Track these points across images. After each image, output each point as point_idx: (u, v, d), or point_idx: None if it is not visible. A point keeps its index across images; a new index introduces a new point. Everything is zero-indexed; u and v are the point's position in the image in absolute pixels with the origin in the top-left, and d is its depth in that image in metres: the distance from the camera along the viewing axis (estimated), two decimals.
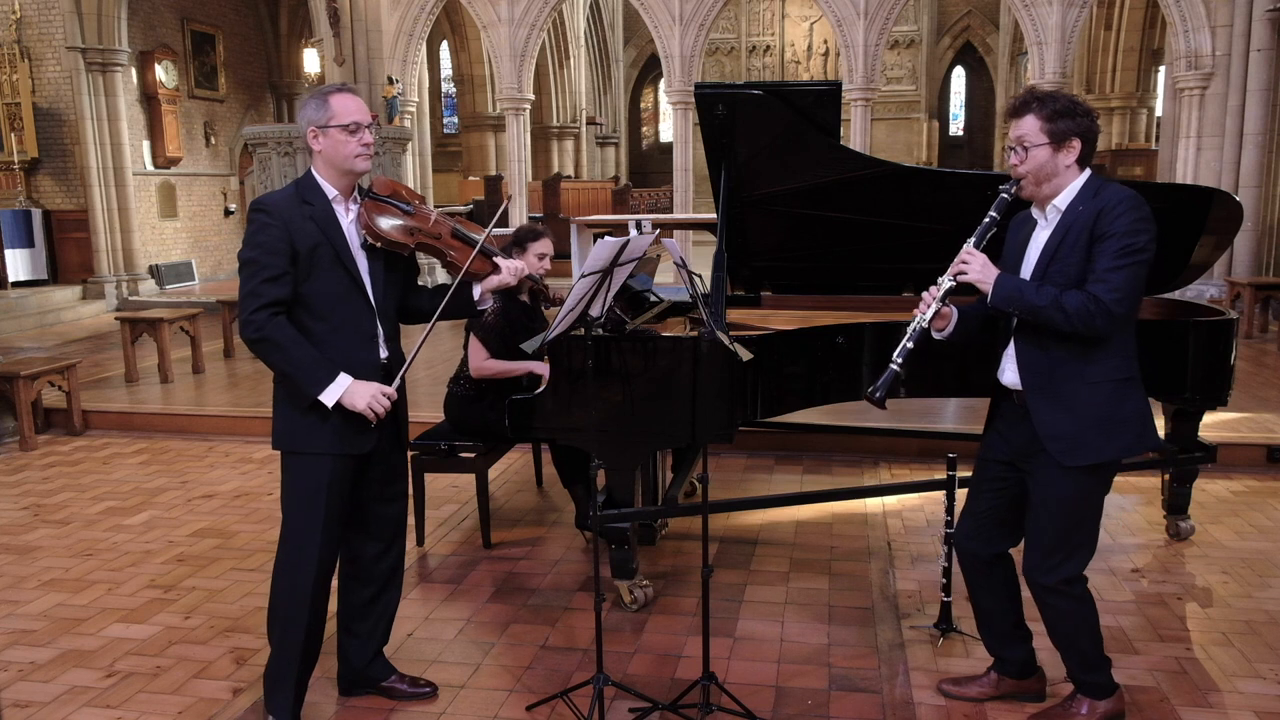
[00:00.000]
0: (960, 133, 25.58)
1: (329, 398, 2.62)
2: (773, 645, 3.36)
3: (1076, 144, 2.54)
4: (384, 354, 2.78)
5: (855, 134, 12.06)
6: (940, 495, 3.57)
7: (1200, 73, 10.32)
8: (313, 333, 2.66)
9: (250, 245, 2.62)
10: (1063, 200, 2.58)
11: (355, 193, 2.76)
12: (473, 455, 4.20)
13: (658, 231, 8.27)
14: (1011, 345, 2.69)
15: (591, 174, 22.38)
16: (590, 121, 22.66)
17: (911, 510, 4.69)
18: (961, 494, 3.41)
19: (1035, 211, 2.68)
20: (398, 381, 2.77)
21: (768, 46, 23.99)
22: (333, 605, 2.87)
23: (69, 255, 12.66)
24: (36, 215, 12.37)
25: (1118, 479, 4.20)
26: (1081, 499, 2.64)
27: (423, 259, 3.38)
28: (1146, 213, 2.49)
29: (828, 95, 3.65)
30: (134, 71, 12.85)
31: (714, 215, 3.94)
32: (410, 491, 3.26)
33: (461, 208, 15.80)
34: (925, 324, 2.60)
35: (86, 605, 3.76)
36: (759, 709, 2.88)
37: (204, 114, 14.52)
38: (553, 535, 4.45)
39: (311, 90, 3.20)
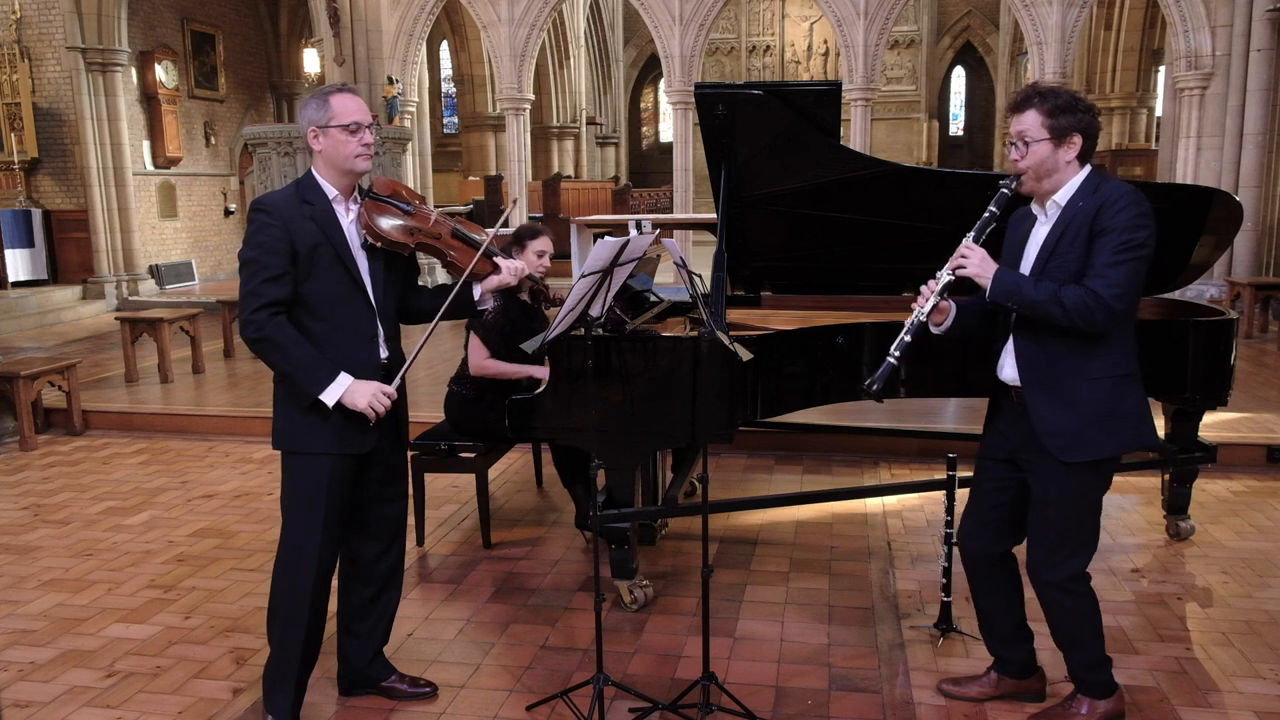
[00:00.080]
0: (960, 133, 25.58)
1: (329, 397, 2.63)
2: (773, 645, 3.36)
3: (1078, 140, 2.54)
4: (384, 354, 2.78)
5: (855, 134, 12.06)
6: (940, 495, 3.57)
7: (1200, 73, 10.32)
8: (313, 333, 2.66)
9: (250, 245, 2.62)
10: (1063, 196, 2.58)
11: (355, 193, 2.77)
12: (473, 455, 4.20)
13: (658, 231, 8.27)
14: (1010, 341, 2.69)
15: (591, 174, 22.38)
16: (590, 121, 22.67)
17: (911, 510, 4.69)
18: (961, 494, 3.41)
19: (1035, 207, 2.68)
20: (398, 381, 2.77)
21: (768, 46, 23.99)
22: (333, 605, 2.87)
23: (69, 255, 12.66)
24: (36, 215, 12.37)
25: (1118, 479, 4.21)
26: (1081, 495, 2.64)
27: (423, 259, 3.38)
28: (1146, 209, 2.49)
29: (828, 95, 3.65)
30: (134, 71, 12.85)
31: (714, 215, 3.94)
32: (410, 491, 3.26)
33: (461, 208, 15.80)
34: (923, 318, 2.60)
35: (86, 605, 3.77)
36: (759, 709, 2.89)
37: (204, 114, 14.52)
38: (553, 535, 4.45)
39: (312, 90, 3.21)
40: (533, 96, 13.50)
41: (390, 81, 12.35)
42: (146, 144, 13.27)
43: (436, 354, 7.94)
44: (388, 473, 2.90)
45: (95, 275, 12.42)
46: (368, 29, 12.56)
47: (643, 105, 26.84)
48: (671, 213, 13.32)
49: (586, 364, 3.13)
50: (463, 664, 3.25)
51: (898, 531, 4.43)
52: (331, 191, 2.69)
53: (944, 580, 3.36)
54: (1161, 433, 4.31)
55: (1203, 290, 9.88)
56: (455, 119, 23.20)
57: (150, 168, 13.32)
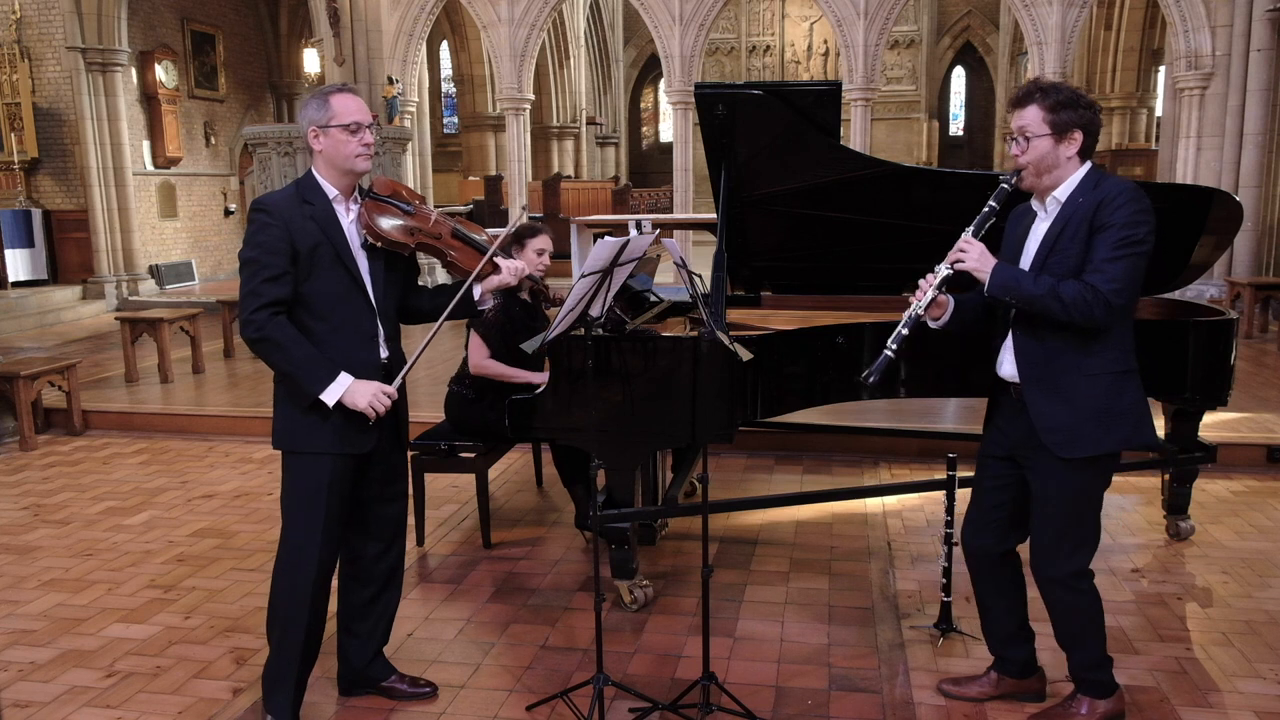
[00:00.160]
0: (960, 133, 25.58)
1: (330, 397, 2.63)
2: (773, 645, 3.36)
3: (1078, 136, 2.54)
4: (384, 354, 2.79)
5: (855, 134, 12.06)
6: (940, 495, 3.57)
7: (1200, 73, 10.32)
8: (313, 332, 2.66)
9: (251, 245, 2.62)
10: (1063, 192, 2.58)
11: (356, 193, 2.77)
12: (473, 455, 4.20)
13: (658, 231, 8.27)
14: (1010, 337, 2.69)
15: (591, 174, 22.38)
16: (590, 121, 22.66)
17: (911, 510, 4.69)
18: (962, 494, 3.42)
19: (1035, 203, 2.68)
20: (399, 381, 2.77)
21: (768, 46, 23.99)
22: (333, 605, 2.87)
23: (69, 255, 12.66)
24: (36, 215, 12.37)
25: (1118, 479, 4.21)
26: (1080, 492, 2.64)
27: (423, 259, 3.38)
28: (1146, 205, 2.49)
29: (828, 95, 3.65)
30: (134, 71, 12.85)
31: (714, 215, 3.94)
32: (410, 491, 3.26)
33: (461, 208, 15.81)
34: (921, 311, 2.61)
35: (86, 605, 3.77)
36: (759, 709, 2.89)
37: (204, 114, 14.52)
38: (553, 535, 4.45)
39: (312, 90, 3.21)
40: (533, 96, 13.50)
41: (390, 81, 12.35)
42: (146, 144, 13.27)
43: (436, 354, 7.93)
44: (388, 473, 2.90)
45: (95, 275, 12.42)
46: (368, 29, 12.56)
47: (643, 105, 26.84)
48: (671, 213, 13.32)
49: (586, 364, 3.14)
50: (463, 664, 3.25)
51: (898, 531, 4.43)
52: (332, 191, 2.70)
53: (944, 580, 3.36)
54: (1161, 433, 4.31)
55: (1203, 290, 9.88)
56: (455, 119, 23.20)
57: (150, 168, 13.32)
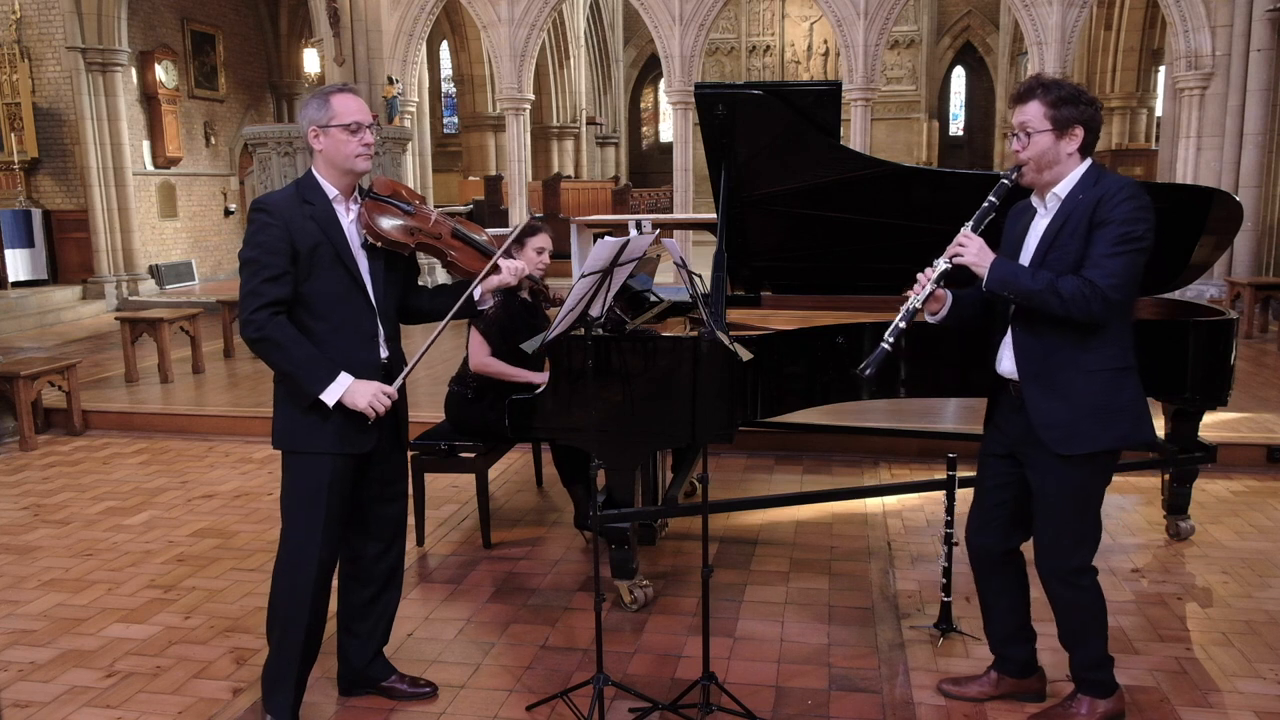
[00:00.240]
0: (960, 133, 25.58)
1: (330, 397, 2.63)
2: (773, 645, 3.36)
3: (1079, 132, 2.54)
4: (384, 354, 2.79)
5: (855, 134, 12.06)
6: (940, 495, 3.57)
7: (1200, 73, 10.32)
8: (313, 332, 2.66)
9: (251, 245, 2.62)
10: (1063, 188, 2.58)
11: (356, 193, 2.77)
12: (473, 455, 4.20)
13: (658, 231, 8.27)
14: (1009, 334, 2.69)
15: (591, 174, 22.38)
16: (590, 121, 22.66)
17: (911, 510, 4.69)
18: (962, 494, 3.42)
19: (1035, 200, 2.68)
20: (399, 382, 2.77)
21: (768, 46, 23.99)
22: (333, 605, 2.87)
23: (69, 255, 12.66)
24: (36, 215, 12.37)
25: (1118, 479, 4.21)
26: (1080, 489, 2.64)
27: (423, 259, 3.38)
28: (1146, 202, 2.49)
29: (828, 95, 3.65)
30: (134, 71, 12.85)
31: (714, 215, 3.94)
32: (410, 491, 3.26)
33: (461, 208, 15.81)
34: (919, 305, 2.61)
35: (86, 605, 3.77)
36: (759, 709, 2.89)
37: (204, 114, 14.52)
38: (553, 535, 4.45)
39: (313, 90, 3.21)
40: (533, 96, 13.50)
41: (390, 81, 12.35)
42: (146, 144, 13.27)
43: (437, 354, 7.91)
44: (388, 472, 2.90)
45: (95, 275, 12.42)
46: (368, 29, 12.56)
47: (643, 105, 26.84)
48: (671, 213, 13.31)
49: (586, 364, 3.14)
50: (463, 664, 3.25)
51: (898, 531, 4.43)
52: (332, 191, 2.70)
53: (944, 580, 3.36)
54: (1161, 433, 4.31)
55: (1203, 290, 9.88)
56: (455, 119, 23.20)
57: (150, 168, 13.32)
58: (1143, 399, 2.65)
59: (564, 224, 12.24)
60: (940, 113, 24.79)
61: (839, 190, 3.93)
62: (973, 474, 3.01)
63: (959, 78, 25.29)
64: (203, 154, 14.52)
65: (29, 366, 6.29)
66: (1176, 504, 4.29)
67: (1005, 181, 2.61)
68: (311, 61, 15.17)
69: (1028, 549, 2.82)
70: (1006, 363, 2.71)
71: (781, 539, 4.37)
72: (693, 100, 7.16)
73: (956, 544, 3.37)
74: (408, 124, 12.63)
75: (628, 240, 2.75)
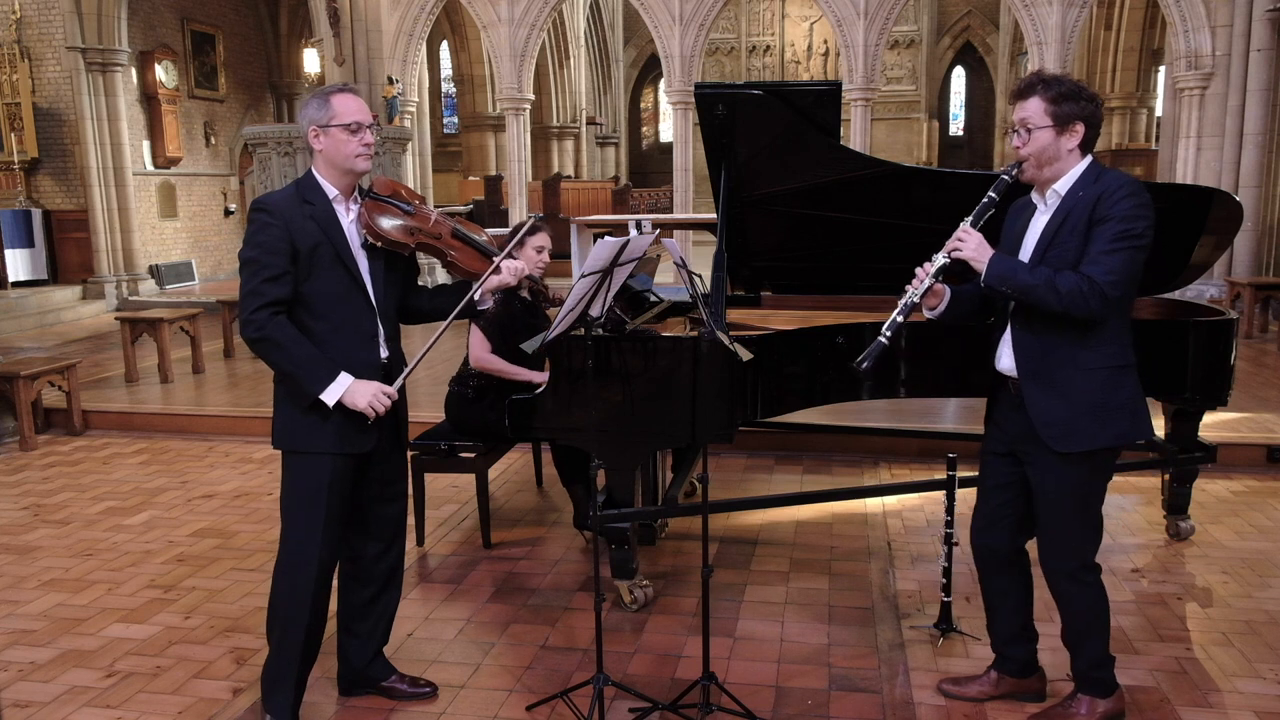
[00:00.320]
0: (960, 133, 25.58)
1: (330, 397, 2.63)
2: (773, 645, 3.36)
3: (1080, 128, 2.54)
4: (384, 354, 2.79)
5: (855, 134, 12.06)
6: (940, 495, 3.57)
7: (1200, 73, 10.32)
8: (313, 332, 2.66)
9: (251, 245, 2.62)
10: (1063, 185, 2.58)
11: (356, 193, 2.77)
12: (473, 455, 4.20)
13: (658, 231, 8.27)
14: (1008, 331, 2.69)
15: (591, 174, 22.38)
16: (590, 121, 22.66)
17: (911, 510, 4.69)
18: (962, 494, 3.42)
19: (1035, 196, 2.68)
20: (399, 382, 2.77)
21: (768, 46, 23.99)
22: (333, 605, 2.87)
23: (69, 255, 12.66)
24: (36, 215, 12.37)
25: (1117, 479, 4.21)
26: (1080, 486, 2.64)
27: (422, 259, 3.39)
28: (1146, 200, 2.50)
29: (828, 95, 3.65)
30: (134, 71, 12.85)
31: (714, 215, 3.94)
32: (410, 491, 3.26)
33: (461, 208, 15.81)
34: (917, 299, 2.61)
35: (86, 605, 3.77)
36: (759, 709, 2.89)
37: (204, 114, 14.52)
38: (553, 535, 4.45)
39: (313, 90, 3.21)
40: (533, 96, 13.50)
41: (390, 81, 12.35)
42: (146, 144, 13.27)
43: (437, 354, 7.90)
44: (388, 472, 2.90)
45: (95, 275, 12.42)
46: (368, 29, 12.56)
47: (643, 105, 26.84)
48: (671, 213, 13.31)
49: (586, 364, 3.13)
50: (463, 664, 3.25)
51: (898, 531, 4.43)
52: (332, 191, 2.70)
53: (944, 580, 3.36)
54: (1161, 433, 4.32)
55: (1203, 290, 9.88)
56: (455, 119, 23.20)
57: (150, 168, 13.32)
58: (1141, 397, 2.65)
59: (564, 224, 12.24)
60: (940, 113, 24.79)
61: (839, 190, 3.93)
62: (973, 474, 3.01)
63: (959, 78, 25.29)
64: (203, 154, 14.52)
65: (29, 366, 6.30)
66: (1176, 504, 4.29)
67: (1005, 177, 2.61)
68: (311, 61, 15.17)
69: (1032, 548, 2.83)
70: (1006, 360, 2.71)
71: (781, 539, 4.37)
72: (693, 100, 7.16)
73: (956, 544, 3.37)
74: (408, 124, 12.63)
75: (628, 240, 2.75)
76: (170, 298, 12.51)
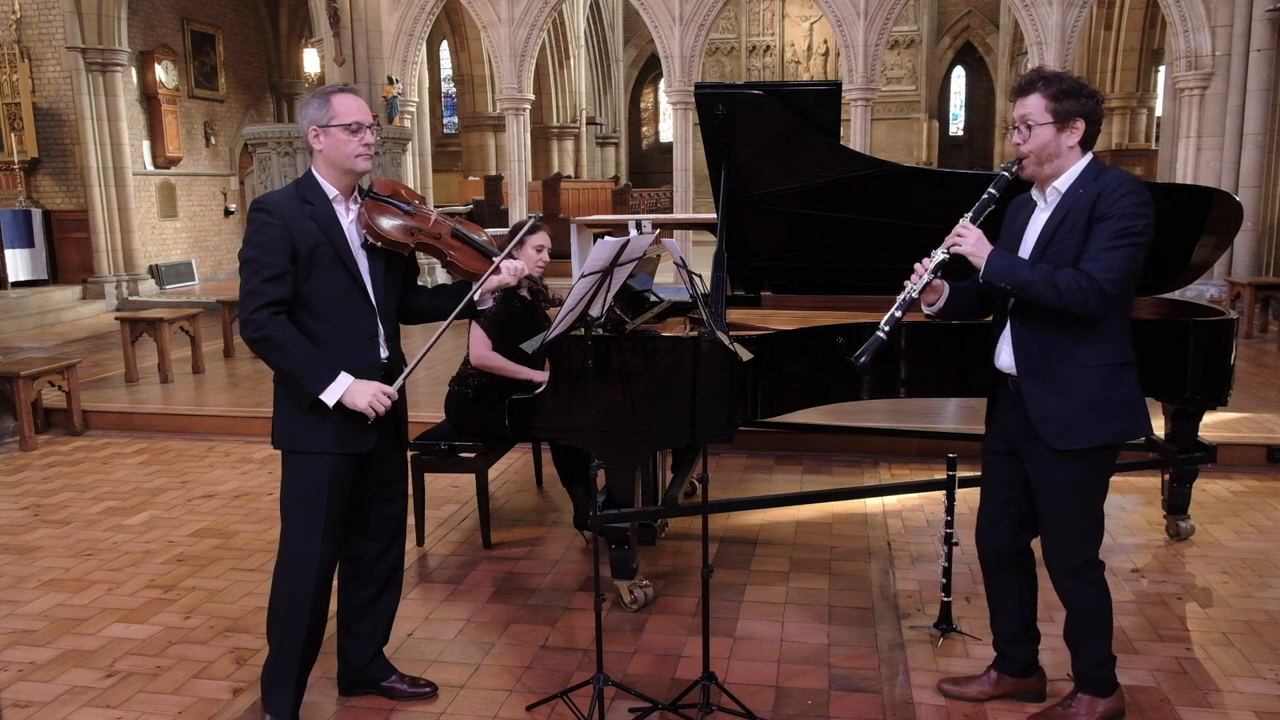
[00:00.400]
0: (960, 133, 25.58)
1: (330, 397, 2.63)
2: (773, 645, 3.36)
3: (1080, 125, 2.54)
4: (384, 354, 2.79)
5: (855, 134, 12.06)
6: (940, 495, 3.57)
7: (1200, 73, 10.32)
8: (313, 332, 2.66)
9: (251, 244, 2.62)
10: (1063, 182, 2.58)
11: (355, 193, 2.77)
12: (473, 455, 4.20)
13: (658, 231, 8.27)
14: (1007, 328, 2.69)
15: (591, 174, 22.38)
16: (590, 121, 22.66)
17: (911, 510, 4.69)
18: (962, 494, 3.43)
19: (1035, 193, 2.68)
20: (399, 382, 2.77)
21: (768, 46, 23.99)
22: (333, 605, 2.87)
23: (69, 255, 12.66)
24: (36, 215, 12.37)
25: (1117, 479, 4.21)
26: (1080, 483, 2.64)
27: (422, 259, 3.39)
28: (1147, 198, 2.50)
29: (828, 95, 3.65)
30: (134, 71, 12.85)
31: (714, 215, 3.94)
32: (410, 491, 3.26)
33: (461, 208, 15.81)
34: (915, 294, 2.61)
35: (86, 605, 3.77)
36: (759, 709, 2.89)
37: (204, 114, 14.52)
38: (553, 535, 4.45)
39: (313, 90, 3.21)
40: (533, 96, 13.50)
41: (390, 81, 12.35)
42: (146, 144, 13.27)
43: (437, 354, 7.89)
44: (388, 472, 2.90)
45: (95, 275, 12.42)
46: (368, 29, 12.56)
47: (643, 105, 26.84)
48: (671, 213, 13.31)
49: (586, 364, 3.14)
50: (463, 664, 3.25)
51: (898, 531, 4.43)
52: (332, 191, 2.70)
53: (944, 580, 3.36)
54: (1161, 433, 4.32)
55: (1203, 290, 9.88)
56: (455, 119, 23.20)
57: (150, 168, 13.32)
58: (1140, 395, 2.65)
59: (564, 224, 12.24)
60: (940, 113, 24.79)
61: (839, 190, 3.93)
62: (973, 474, 3.02)
63: (959, 78, 25.29)
64: (203, 154, 14.52)
65: (29, 366, 6.29)
66: (1176, 504, 4.29)
67: (1005, 174, 2.61)
68: (311, 61, 15.17)
69: (1036, 547, 2.82)
70: (1005, 357, 2.72)
71: (781, 539, 4.37)
72: (693, 100, 7.16)
73: (957, 544, 3.37)
74: (408, 124, 12.63)
75: (628, 240, 2.75)
76: (170, 298, 12.51)
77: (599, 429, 3.37)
